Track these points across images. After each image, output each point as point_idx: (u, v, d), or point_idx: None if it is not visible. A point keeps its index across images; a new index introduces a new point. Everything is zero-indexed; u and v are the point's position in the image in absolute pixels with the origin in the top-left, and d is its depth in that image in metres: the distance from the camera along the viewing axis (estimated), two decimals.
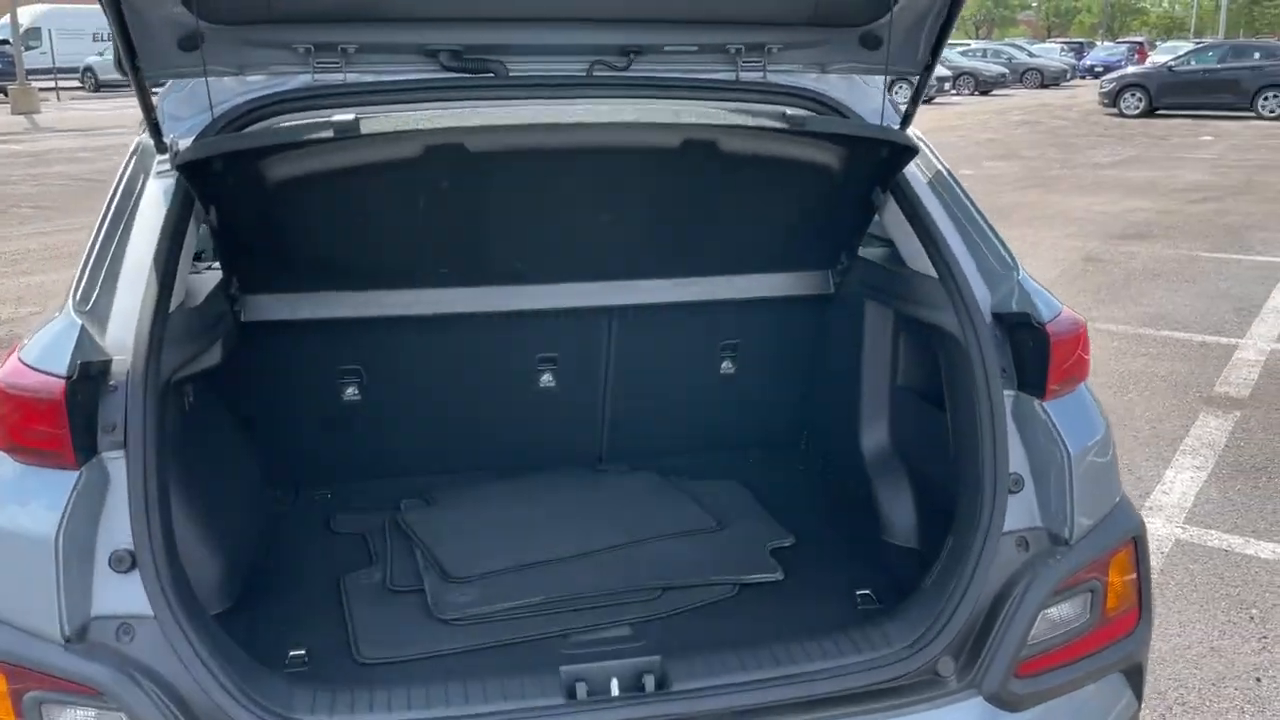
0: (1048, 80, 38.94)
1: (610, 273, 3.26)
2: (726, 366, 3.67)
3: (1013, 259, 2.86)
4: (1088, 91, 34.58)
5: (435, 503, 3.39)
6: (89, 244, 2.53)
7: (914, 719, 2.47)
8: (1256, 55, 25.45)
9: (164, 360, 2.39)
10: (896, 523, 3.17)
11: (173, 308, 2.50)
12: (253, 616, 2.79)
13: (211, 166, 2.53)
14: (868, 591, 2.90)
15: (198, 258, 3.03)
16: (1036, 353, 2.64)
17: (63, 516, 2.19)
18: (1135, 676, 2.81)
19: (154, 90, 2.69)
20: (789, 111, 2.64)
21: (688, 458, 3.80)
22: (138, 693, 2.15)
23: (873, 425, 3.31)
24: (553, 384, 3.55)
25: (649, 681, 2.43)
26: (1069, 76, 41.56)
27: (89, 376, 2.27)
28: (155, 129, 2.63)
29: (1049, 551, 2.61)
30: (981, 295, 2.75)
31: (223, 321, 2.86)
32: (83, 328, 2.33)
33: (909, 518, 3.16)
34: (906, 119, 3.04)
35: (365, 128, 2.42)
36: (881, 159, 2.88)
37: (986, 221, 2.98)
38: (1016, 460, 2.63)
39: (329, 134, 2.43)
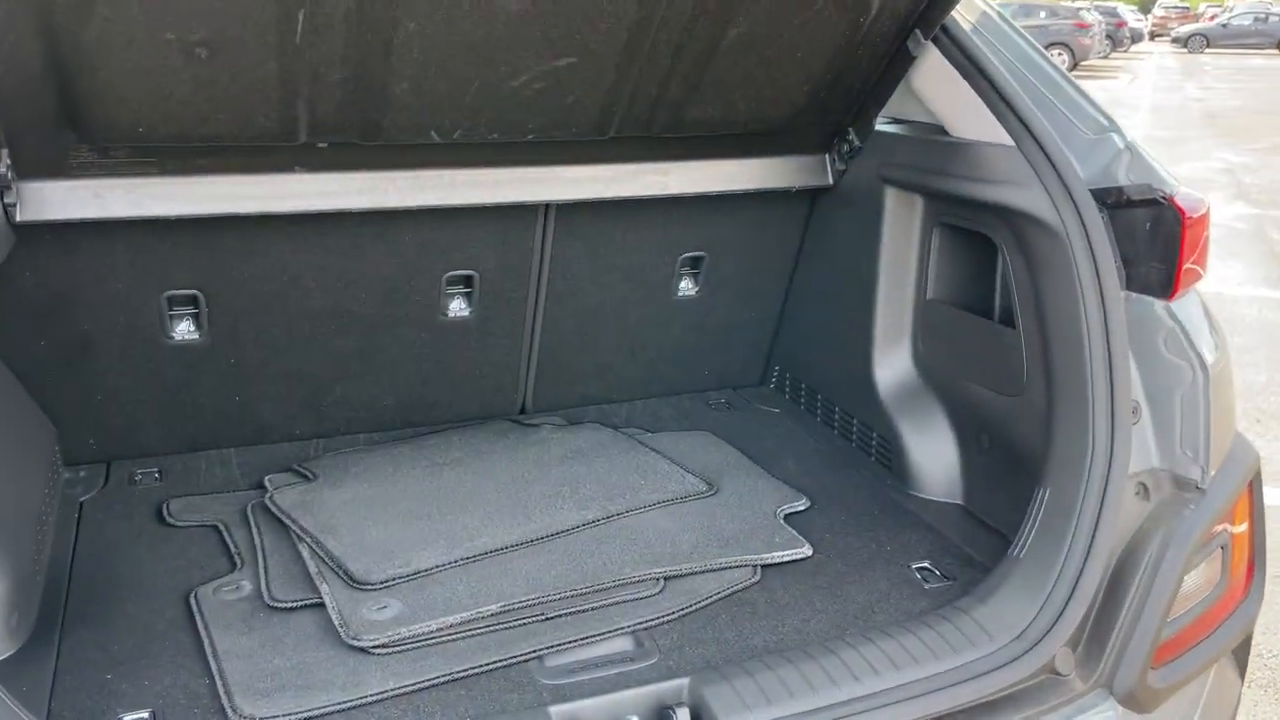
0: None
1: (552, 154, 2.40)
2: (686, 287, 2.88)
3: (1108, 116, 2.19)
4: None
5: (317, 478, 2.46)
6: None
7: None
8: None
9: None
10: (932, 472, 2.48)
11: None
12: (63, 662, 1.82)
13: None
14: (926, 564, 2.20)
15: None
16: (1161, 238, 1.98)
17: None
18: (1242, 652, 2.25)
19: None
20: None
21: (635, 405, 2.99)
22: None
23: (891, 351, 2.59)
24: (465, 312, 2.66)
25: (683, 717, 1.65)
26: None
27: None
28: None
29: (1176, 500, 1.98)
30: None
31: None
32: None
33: (949, 464, 2.47)
34: None
35: None
36: None
37: (1064, 75, 2.29)
38: (1133, 384, 1.98)
39: None
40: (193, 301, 2.41)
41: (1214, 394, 2.01)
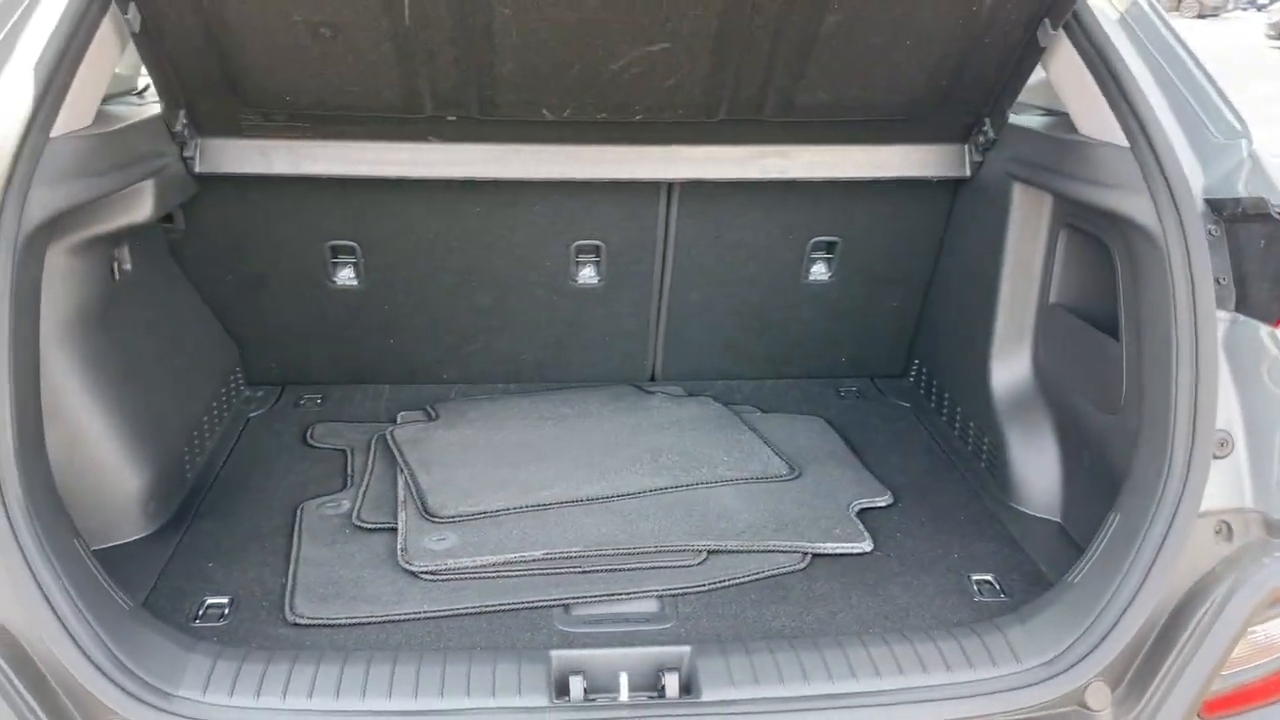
0: (1205, 12, 36.15)
1: (676, 133, 2.48)
2: (818, 271, 2.87)
3: (1241, 121, 1.99)
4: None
5: (438, 418, 2.71)
6: None
7: None
8: None
9: (41, 196, 1.75)
10: (1033, 485, 2.37)
11: (62, 131, 1.84)
12: (180, 547, 2.17)
13: None
14: (988, 577, 2.12)
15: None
16: (1274, 257, 1.80)
17: None
18: None
19: None
20: None
21: (762, 385, 3.03)
22: None
23: (1010, 354, 2.49)
24: (595, 280, 2.81)
25: (670, 682, 1.73)
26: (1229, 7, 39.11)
27: None
28: None
29: (1263, 545, 1.81)
30: (1190, 172, 1.91)
31: (155, 163, 2.20)
32: None
33: (1052, 479, 2.35)
34: None
35: None
36: None
37: (1206, 73, 2.10)
38: (1226, 413, 1.82)
39: None
40: (351, 252, 2.72)
41: None
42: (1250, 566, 1.79)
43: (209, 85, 2.25)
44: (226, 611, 1.96)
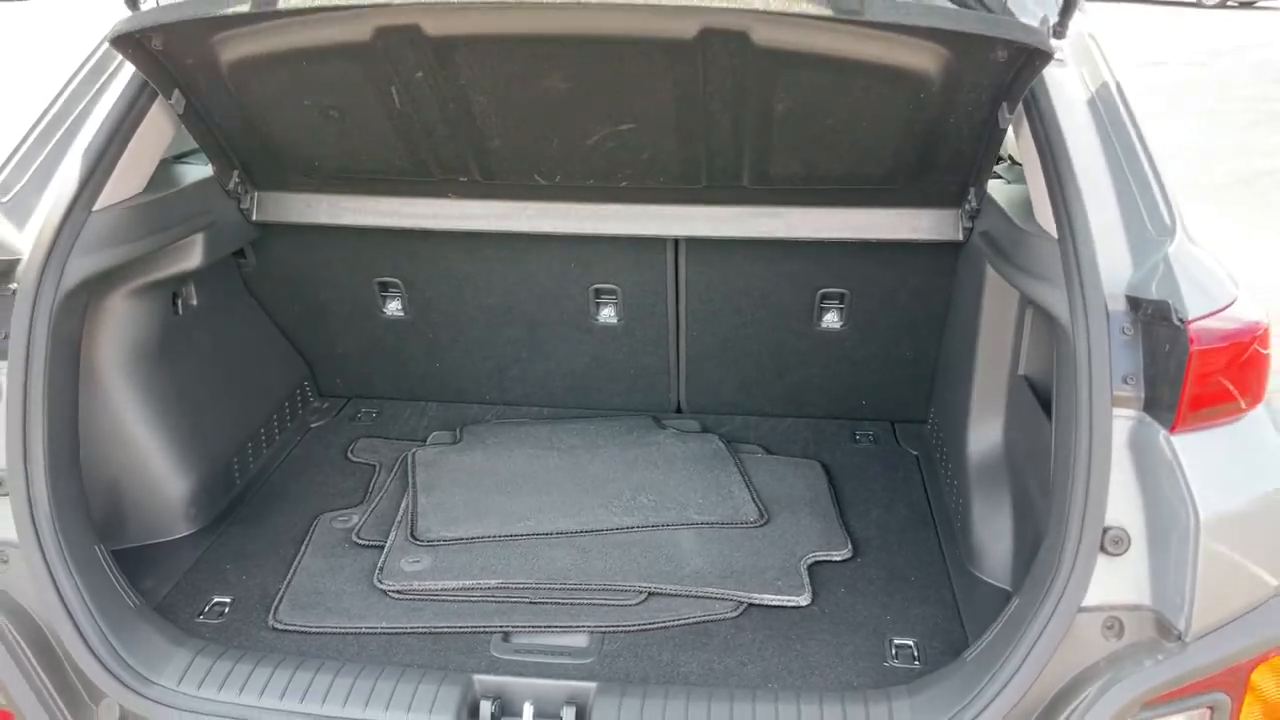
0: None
1: (667, 195, 2.65)
2: (830, 320, 2.97)
3: (1173, 218, 1.98)
4: None
5: (460, 441, 3.00)
6: (28, 128, 2.29)
7: None
8: None
9: (78, 263, 2.13)
10: (988, 551, 2.42)
11: (107, 203, 2.22)
12: (209, 548, 2.55)
13: (149, 44, 2.19)
14: (910, 642, 2.21)
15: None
16: (1171, 361, 1.81)
17: None
18: None
19: None
20: None
21: (776, 422, 3.16)
22: None
23: (983, 420, 2.53)
24: (614, 320, 3.02)
25: (568, 715, 1.94)
26: None
27: None
28: None
29: (1152, 645, 1.83)
30: (1120, 268, 1.93)
31: (203, 219, 2.56)
32: None
33: (1005, 548, 2.40)
34: (1067, 8, 2.17)
35: (284, 3, 1.97)
36: (1001, 63, 2.07)
37: (1153, 163, 2.09)
38: (1124, 510, 1.86)
39: (245, 8, 2.00)
40: (397, 287, 3.04)
41: (1218, 542, 1.81)
42: (1130, 665, 1.82)
43: (254, 152, 2.60)
44: (226, 610, 2.31)
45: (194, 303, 2.73)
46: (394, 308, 3.09)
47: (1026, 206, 2.31)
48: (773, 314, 2.95)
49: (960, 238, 2.62)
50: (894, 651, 2.19)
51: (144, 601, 2.16)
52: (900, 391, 3.10)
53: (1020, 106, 2.16)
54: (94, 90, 2.35)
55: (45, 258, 2.08)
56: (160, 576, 2.42)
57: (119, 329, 2.47)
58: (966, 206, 2.54)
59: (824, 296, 2.92)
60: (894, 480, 2.85)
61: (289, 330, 3.18)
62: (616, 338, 3.06)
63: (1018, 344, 2.42)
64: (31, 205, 2.19)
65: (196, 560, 2.49)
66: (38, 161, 2.24)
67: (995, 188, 2.50)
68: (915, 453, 2.99)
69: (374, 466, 2.92)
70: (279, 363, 3.16)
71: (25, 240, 2.13)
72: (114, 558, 2.18)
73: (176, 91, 2.34)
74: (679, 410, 3.22)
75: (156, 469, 2.55)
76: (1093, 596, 1.85)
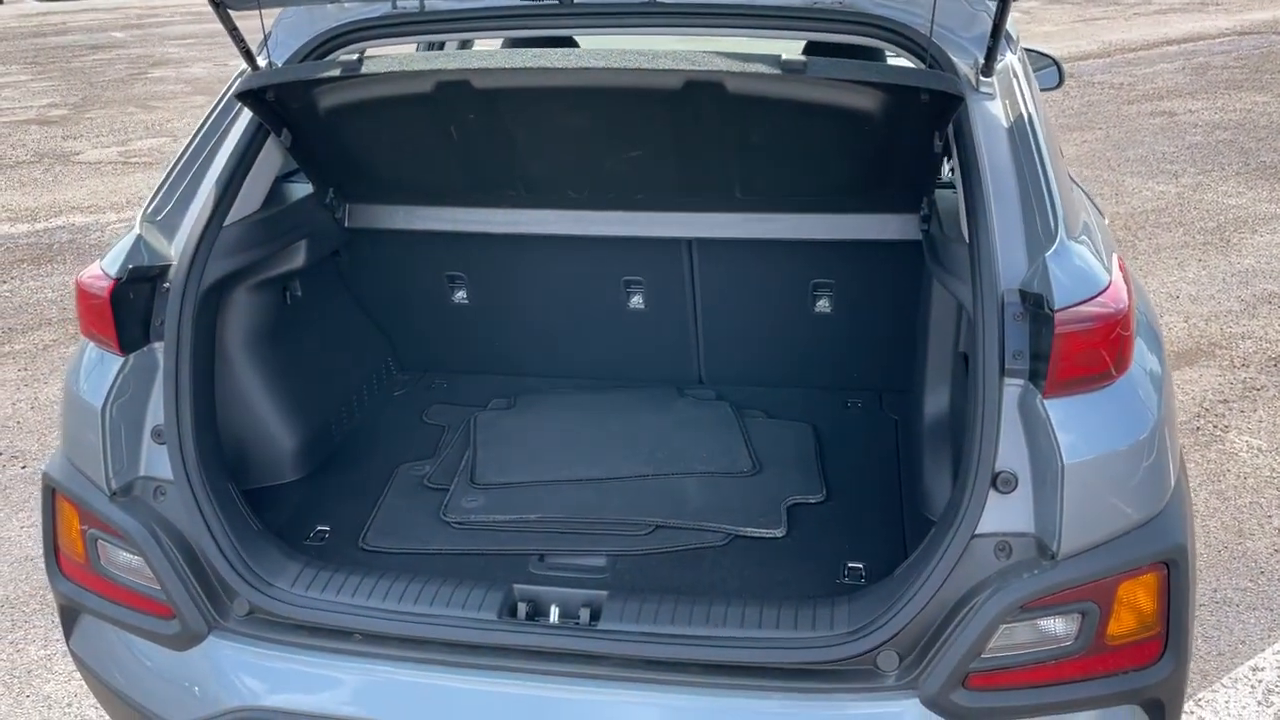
0: None
1: (678, 204, 3.23)
2: (822, 305, 3.51)
3: (1056, 225, 2.48)
4: None
5: (514, 407, 3.63)
6: (172, 162, 2.96)
7: (840, 708, 2.40)
8: None
9: (214, 266, 2.78)
10: (933, 495, 2.95)
11: (234, 219, 2.87)
12: (314, 487, 3.21)
13: (265, 96, 2.84)
14: (860, 565, 2.77)
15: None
16: (1044, 341, 2.33)
17: (109, 393, 2.67)
18: (1155, 711, 2.49)
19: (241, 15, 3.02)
20: (785, 56, 2.44)
21: (782, 391, 3.71)
22: (153, 545, 2.62)
23: (935, 389, 3.06)
24: (642, 305, 3.61)
25: (584, 615, 2.54)
26: None
27: (142, 279, 2.71)
28: (246, 54, 2.97)
29: (1031, 563, 2.35)
30: (1016, 267, 2.44)
31: (305, 229, 3.22)
32: (139, 236, 2.76)
33: (946, 492, 2.93)
34: (989, 55, 2.68)
35: (366, 69, 2.60)
36: (926, 103, 2.59)
37: (1049, 175, 2.59)
38: (1015, 457, 2.37)
39: (337, 72, 2.63)
40: (462, 279, 3.67)
41: (1081, 482, 2.31)
42: (1011, 578, 2.34)
43: (344, 175, 3.25)
44: (327, 535, 2.97)
45: (299, 294, 3.39)
46: (460, 296, 3.73)
47: (956, 214, 2.83)
48: (774, 301, 3.51)
49: (918, 237, 3.15)
50: (845, 572, 2.74)
51: (264, 527, 2.82)
52: (884, 365, 3.63)
53: (950, 133, 2.68)
54: (221, 129, 3.01)
55: (189, 264, 2.73)
56: (276, 510, 3.09)
57: (242, 317, 3.14)
58: (921, 212, 3.07)
59: (816, 285, 3.46)
60: (872, 440, 3.40)
61: (375, 315, 3.84)
62: (644, 321, 3.65)
63: (957, 327, 2.94)
64: (177, 223, 2.84)
65: (302, 499, 3.16)
66: (181, 187, 2.90)
67: (942, 195, 3.01)
68: (895, 417, 3.53)
69: (443, 427, 3.56)
70: (367, 342, 3.83)
71: (174, 249, 2.79)
72: (242, 494, 2.85)
73: (285, 130, 2.99)
74: (700, 381, 3.80)
75: (271, 428, 3.22)
76: (986, 524, 2.35)
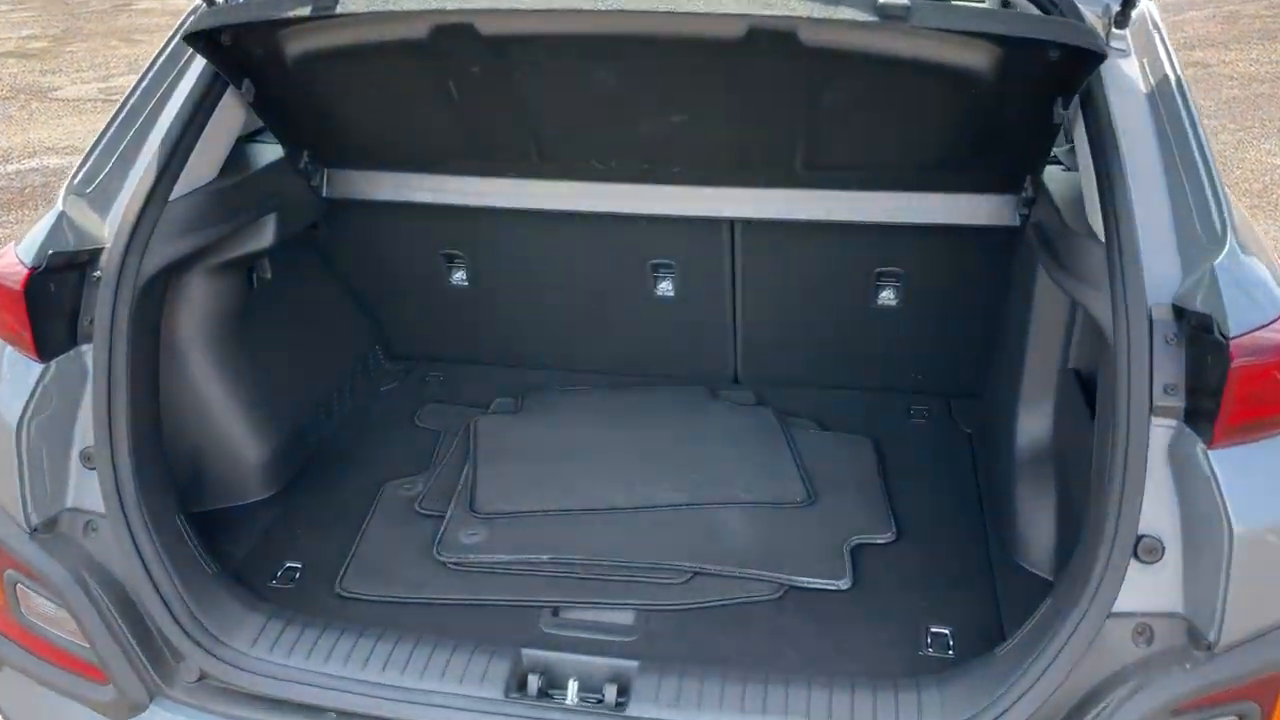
0: None
1: (722, 178, 2.67)
2: (886, 297, 2.97)
3: (1225, 225, 1.95)
4: None
5: (521, 410, 3.11)
6: (107, 121, 2.40)
7: None
8: None
9: (158, 249, 2.25)
10: (1030, 540, 2.45)
11: (184, 190, 2.33)
12: (284, 510, 2.71)
13: (220, 39, 2.28)
14: (946, 631, 2.27)
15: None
16: (1212, 375, 1.80)
17: (25, 408, 2.16)
18: None
19: None
20: None
21: (831, 395, 3.19)
22: (80, 594, 2.13)
23: (1033, 407, 2.53)
24: (672, 293, 3.07)
25: (609, 692, 2.06)
26: None
27: (66, 267, 2.18)
28: None
29: (1182, 652, 1.86)
30: (1165, 276, 1.91)
31: (275, 200, 2.67)
32: (63, 214, 2.23)
33: (1047, 538, 2.42)
34: (1127, 1, 2.12)
35: (344, 6, 2.04)
36: (1054, 62, 2.03)
37: (1209, 165, 2.05)
38: (1162, 519, 1.87)
39: (307, 11, 2.07)
40: (461, 258, 3.13)
41: (1253, 555, 1.81)
42: (1158, 672, 1.85)
43: (321, 135, 2.69)
44: (297, 576, 2.47)
45: (268, 276, 2.86)
46: (459, 277, 3.19)
47: (1078, 201, 2.28)
48: (828, 291, 2.97)
49: (1016, 223, 2.60)
50: (929, 640, 2.25)
51: (221, 568, 2.32)
52: (956, 368, 3.11)
53: (1076, 101, 2.13)
54: (169, 80, 2.45)
55: (125, 248, 2.20)
56: (237, 540, 2.59)
57: (198, 306, 2.61)
58: (1023, 194, 2.51)
59: (880, 275, 2.92)
60: (943, 459, 2.88)
61: (361, 297, 3.30)
62: (674, 310, 3.11)
63: (1068, 337, 2.41)
64: (114, 194, 2.30)
65: (271, 524, 2.66)
66: (119, 151, 2.36)
67: (1052, 175, 2.46)
68: (968, 430, 3.01)
69: (438, 433, 3.05)
70: (351, 328, 3.29)
71: (108, 229, 2.25)
72: (193, 527, 2.34)
73: (247, 81, 2.43)
74: (736, 380, 3.28)
75: (234, 437, 2.70)
76: (1124, 603, 1.87)
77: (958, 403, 3.14)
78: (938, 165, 2.46)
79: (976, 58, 2.07)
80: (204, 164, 2.42)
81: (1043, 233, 2.35)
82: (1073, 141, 2.42)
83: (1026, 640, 1.99)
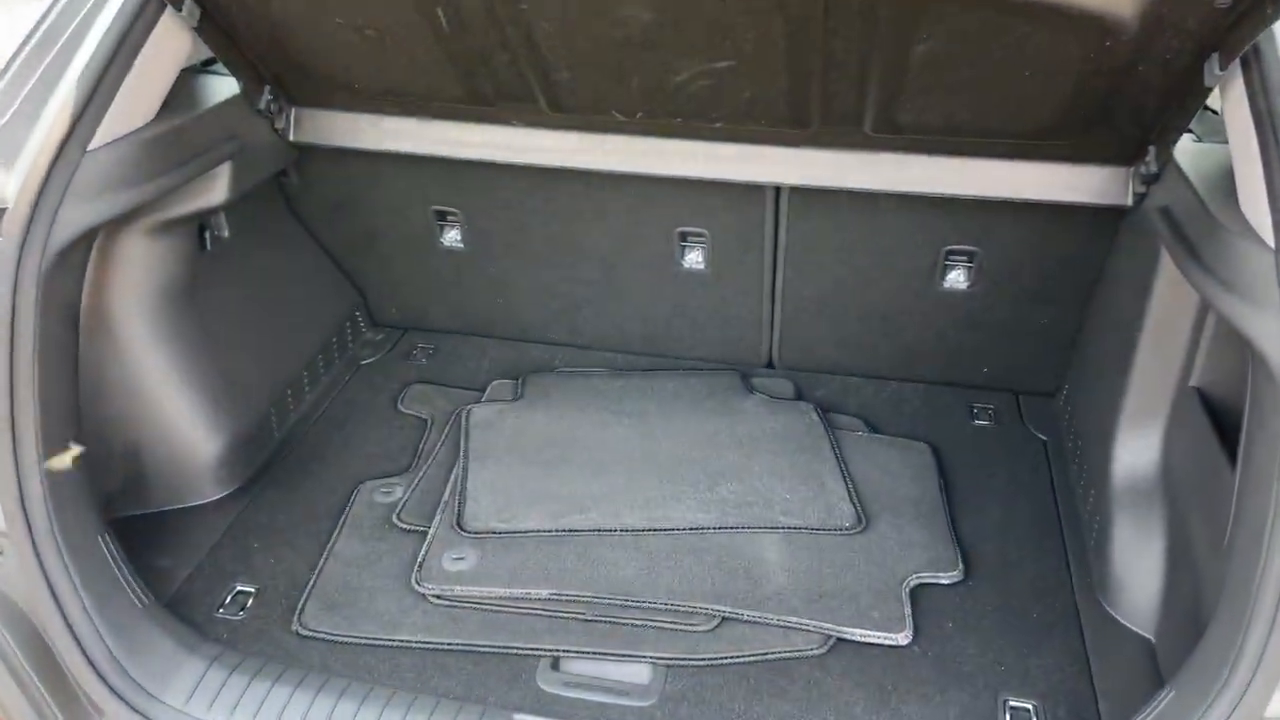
0: None
1: (772, 137, 2.20)
2: (955, 279, 2.52)
3: None
4: None
5: (522, 396, 2.67)
6: (13, 51, 1.94)
7: None
8: None
9: (75, 209, 1.81)
10: (1129, 588, 2.03)
11: (111, 137, 1.88)
12: (238, 519, 2.29)
13: None
14: (1029, 706, 1.86)
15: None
16: None
17: None
18: None
19: None
20: None
21: (879, 387, 2.75)
22: None
23: (1138, 430, 2.10)
24: (702, 265, 2.62)
25: None
26: None
27: None
28: None
29: None
30: None
31: (228, 147, 2.21)
32: None
33: (1151, 588, 2.00)
34: None
35: None
36: (1221, 10, 1.56)
37: None
38: None
39: None
40: (454, 216, 2.67)
41: None
42: None
43: (285, 67, 2.22)
44: (249, 604, 2.07)
45: (225, 235, 2.41)
46: (452, 238, 2.73)
47: (1223, 182, 1.81)
48: (887, 269, 2.52)
49: (1129, 203, 2.14)
50: (1009, 717, 1.84)
51: (153, 600, 1.92)
52: (1029, 361, 2.66)
53: (1236, 63, 1.65)
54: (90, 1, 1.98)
55: (31, 209, 1.77)
56: (182, 552, 2.19)
57: (135, 273, 2.17)
58: (1142, 169, 2.04)
59: (949, 254, 2.47)
60: (1017, 473, 2.45)
61: (339, 256, 2.85)
62: (703, 285, 2.66)
63: (1194, 348, 1.97)
64: (22, 140, 1.85)
65: (224, 533, 2.25)
66: (29, 86, 1.90)
67: (1184, 148, 1.99)
68: (1044, 437, 2.57)
69: (425, 421, 2.62)
70: (327, 292, 2.85)
71: (11, 187, 1.81)
72: (125, 542, 1.94)
73: (188, 1, 1.96)
74: (770, 365, 2.84)
75: (183, 427, 2.29)
76: (1277, 707, 1.48)
77: (1029, 402, 2.70)
78: (1043, 131, 1.99)
79: (1118, 2, 1.59)
80: (136, 103, 1.96)
81: (1172, 219, 1.88)
82: (1219, 111, 1.94)
83: None
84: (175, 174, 2.06)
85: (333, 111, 2.39)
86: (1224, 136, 1.84)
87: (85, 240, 1.88)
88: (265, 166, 2.40)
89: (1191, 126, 2.07)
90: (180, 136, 2.07)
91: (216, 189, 2.22)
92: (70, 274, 1.88)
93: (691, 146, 2.25)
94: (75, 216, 1.82)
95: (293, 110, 2.40)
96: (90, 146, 1.85)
